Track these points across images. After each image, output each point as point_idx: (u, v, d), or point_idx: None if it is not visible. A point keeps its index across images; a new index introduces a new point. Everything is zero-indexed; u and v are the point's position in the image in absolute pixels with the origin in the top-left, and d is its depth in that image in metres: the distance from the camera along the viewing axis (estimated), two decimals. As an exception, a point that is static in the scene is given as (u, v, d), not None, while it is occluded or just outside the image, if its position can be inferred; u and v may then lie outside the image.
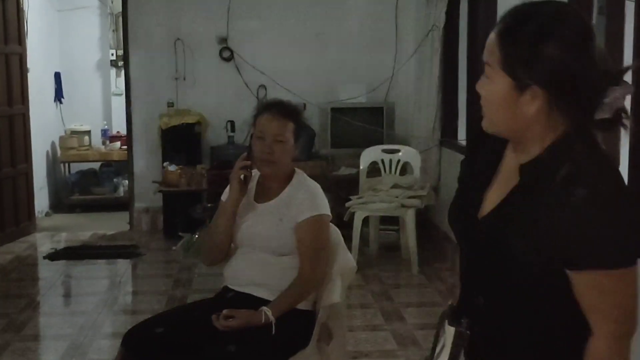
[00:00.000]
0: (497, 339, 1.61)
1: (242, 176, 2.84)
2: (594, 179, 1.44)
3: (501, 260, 1.55)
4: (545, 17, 1.46)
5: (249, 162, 2.85)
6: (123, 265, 5.84)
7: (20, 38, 6.57)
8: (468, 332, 1.61)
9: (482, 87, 1.54)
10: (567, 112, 1.46)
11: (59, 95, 8.46)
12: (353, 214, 5.45)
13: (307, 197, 2.81)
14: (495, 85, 1.49)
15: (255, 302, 2.71)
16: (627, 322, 1.51)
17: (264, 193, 2.88)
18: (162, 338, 2.67)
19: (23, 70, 6.60)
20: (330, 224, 2.89)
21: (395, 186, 5.56)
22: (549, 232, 1.45)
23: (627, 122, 1.49)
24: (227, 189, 2.89)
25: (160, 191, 6.41)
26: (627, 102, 1.52)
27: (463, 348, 1.63)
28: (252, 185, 2.91)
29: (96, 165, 8.52)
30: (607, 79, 1.46)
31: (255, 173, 2.90)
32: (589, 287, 1.48)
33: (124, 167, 8.00)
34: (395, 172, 5.87)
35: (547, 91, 1.44)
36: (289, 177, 2.87)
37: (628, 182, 3.05)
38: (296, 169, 2.93)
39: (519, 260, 1.51)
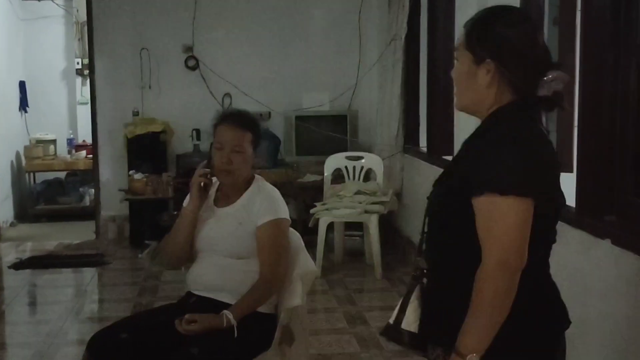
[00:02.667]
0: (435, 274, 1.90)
1: (202, 183, 2.91)
2: (505, 129, 1.78)
3: (436, 207, 1.89)
4: (495, 7, 1.94)
5: (208, 170, 2.92)
6: (89, 274, 5.86)
7: (-16, 47, 6.56)
8: (422, 267, 1.91)
9: (453, 71, 1.91)
10: (513, 82, 1.82)
11: (23, 104, 8.44)
12: (318, 220, 5.53)
13: (266, 201, 2.88)
14: (461, 65, 1.87)
15: (217, 307, 2.76)
16: (512, 252, 1.72)
17: (224, 198, 2.95)
18: (126, 343, 2.71)
19: (-13, 80, 6.60)
20: (291, 228, 2.96)
21: (358, 192, 5.66)
22: (464, 171, 1.79)
23: (563, 105, 1.85)
24: (188, 195, 2.95)
25: (126, 199, 6.44)
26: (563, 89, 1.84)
27: (419, 282, 1.91)
28: (212, 190, 2.98)
29: (62, 175, 8.50)
30: (546, 59, 1.84)
31: (216, 180, 2.97)
32: (484, 212, 1.73)
33: (89, 176, 8.00)
34: (359, 179, 5.97)
35: (496, 62, 1.81)
36: (248, 183, 2.95)
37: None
38: (255, 174, 3.00)
39: (443, 201, 1.85)
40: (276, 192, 2.94)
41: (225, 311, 2.70)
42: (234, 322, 2.68)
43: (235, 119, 2.91)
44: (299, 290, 2.88)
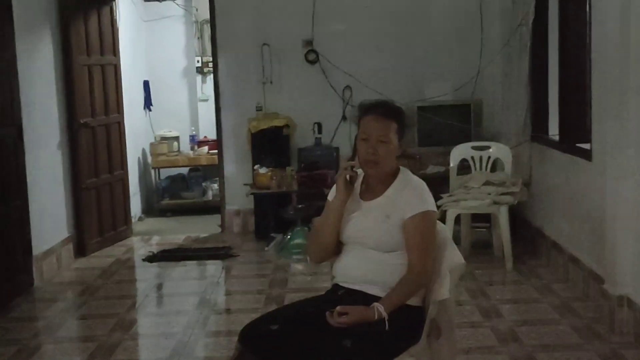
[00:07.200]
0: None
1: (347, 176, 2.90)
2: None
3: None
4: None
5: (353, 162, 2.90)
6: (218, 266, 5.99)
7: (115, 49, 6.81)
8: None
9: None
10: None
11: (147, 103, 8.72)
12: (445, 212, 5.44)
13: (413, 194, 2.84)
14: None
15: (365, 299, 2.75)
16: None
17: (370, 191, 2.93)
18: (277, 334, 2.74)
19: (117, 80, 6.84)
20: (437, 220, 2.91)
21: (486, 183, 5.53)
22: None
23: None
24: (333, 188, 2.95)
25: (252, 193, 6.54)
26: None
27: None
28: (358, 183, 2.96)
29: (185, 171, 8.74)
30: None
31: (361, 172, 2.95)
32: None
33: (211, 171, 8.20)
34: (486, 169, 5.84)
35: None
36: (393, 175, 2.91)
37: None
38: (401, 167, 2.96)
39: None
40: (423, 184, 2.90)
41: (375, 304, 2.68)
42: (384, 314, 2.65)
43: (380, 109, 2.88)
44: (447, 283, 2.83)
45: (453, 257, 2.90)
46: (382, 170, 2.87)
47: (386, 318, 2.66)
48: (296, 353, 2.72)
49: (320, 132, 6.73)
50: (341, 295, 2.85)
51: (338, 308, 2.67)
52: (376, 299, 2.74)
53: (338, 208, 2.90)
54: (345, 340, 2.59)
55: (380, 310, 2.66)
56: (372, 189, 2.92)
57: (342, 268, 2.91)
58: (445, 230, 2.98)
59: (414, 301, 2.82)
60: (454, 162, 5.86)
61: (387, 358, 2.69)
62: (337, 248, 2.97)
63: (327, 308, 2.71)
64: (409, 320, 2.77)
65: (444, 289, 2.81)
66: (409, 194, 2.84)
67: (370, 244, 2.84)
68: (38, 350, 4.20)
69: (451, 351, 2.98)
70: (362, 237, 2.86)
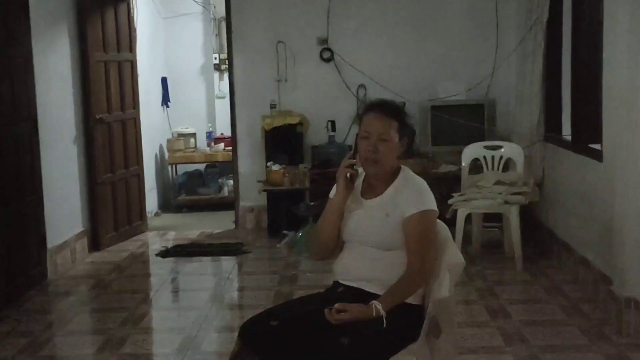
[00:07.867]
0: None
1: (348, 174, 2.91)
2: None
3: None
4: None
5: (354, 161, 2.92)
6: (230, 262, 6.03)
7: (131, 45, 6.87)
8: None
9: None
10: None
11: (165, 100, 8.79)
12: (456, 211, 5.44)
13: (413, 193, 2.85)
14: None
15: (365, 297, 2.77)
16: None
17: (371, 189, 2.94)
18: (276, 330, 2.76)
19: (134, 76, 6.91)
20: (438, 219, 2.93)
21: (498, 183, 5.52)
22: None
23: None
24: (335, 186, 2.97)
25: (265, 190, 6.58)
26: None
27: None
28: (359, 182, 2.98)
29: (201, 167, 8.80)
30: None
31: (362, 171, 2.97)
32: None
33: (228, 167, 8.25)
34: (498, 169, 5.83)
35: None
36: (394, 174, 2.92)
37: None
38: (402, 165, 2.98)
39: None
40: (423, 183, 2.91)
41: (374, 301, 2.69)
42: (383, 312, 2.67)
43: (382, 108, 2.89)
44: (447, 282, 2.83)
45: (453, 256, 2.90)
46: (382, 168, 2.88)
47: (384, 316, 2.67)
48: (295, 349, 2.74)
49: (333, 130, 6.75)
50: (340, 292, 2.87)
51: (337, 305, 2.69)
52: (375, 296, 2.75)
53: (339, 206, 2.92)
54: (343, 338, 2.61)
55: (378, 308, 2.68)
56: (373, 188, 2.93)
57: (342, 266, 2.93)
58: (446, 229, 2.99)
59: (413, 300, 2.83)
60: (465, 161, 5.86)
61: (384, 356, 2.69)
62: (339, 246, 3.00)
63: (327, 305, 2.73)
64: (407, 318, 2.78)
65: (443, 288, 2.82)
66: (409, 192, 2.85)
67: (370, 242, 2.85)
68: (48, 343, 4.27)
69: (452, 350, 2.99)
70: (362, 235, 2.88)
